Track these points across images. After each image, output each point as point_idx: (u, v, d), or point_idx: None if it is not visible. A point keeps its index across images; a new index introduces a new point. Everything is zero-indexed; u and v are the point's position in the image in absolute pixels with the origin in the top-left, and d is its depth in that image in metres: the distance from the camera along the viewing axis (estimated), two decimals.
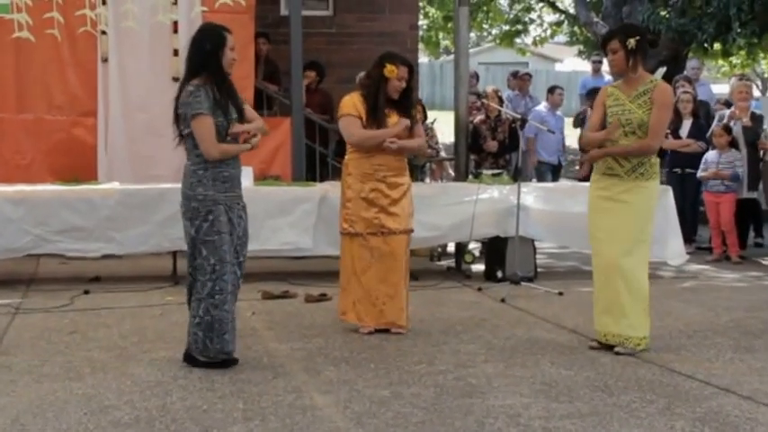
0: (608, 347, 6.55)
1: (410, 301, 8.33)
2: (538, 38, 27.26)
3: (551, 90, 14.71)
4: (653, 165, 6.64)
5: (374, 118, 7.13)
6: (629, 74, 6.61)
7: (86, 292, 8.81)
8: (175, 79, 10.93)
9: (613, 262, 6.50)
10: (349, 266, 7.23)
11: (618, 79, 6.94)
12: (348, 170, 7.26)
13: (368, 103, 7.17)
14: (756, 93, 21.50)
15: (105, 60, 11.03)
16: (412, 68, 7.30)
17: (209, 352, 6.07)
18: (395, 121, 7.17)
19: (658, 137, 6.62)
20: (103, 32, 10.98)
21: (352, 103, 7.22)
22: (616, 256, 6.49)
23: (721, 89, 19.53)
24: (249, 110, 6.39)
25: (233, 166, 6.14)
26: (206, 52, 6.04)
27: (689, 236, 11.47)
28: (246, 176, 9.66)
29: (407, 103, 7.28)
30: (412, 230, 7.35)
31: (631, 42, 6.47)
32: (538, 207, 9.68)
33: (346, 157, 7.34)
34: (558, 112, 14.61)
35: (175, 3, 11.07)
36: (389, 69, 7.14)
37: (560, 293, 8.74)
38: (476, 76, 15.98)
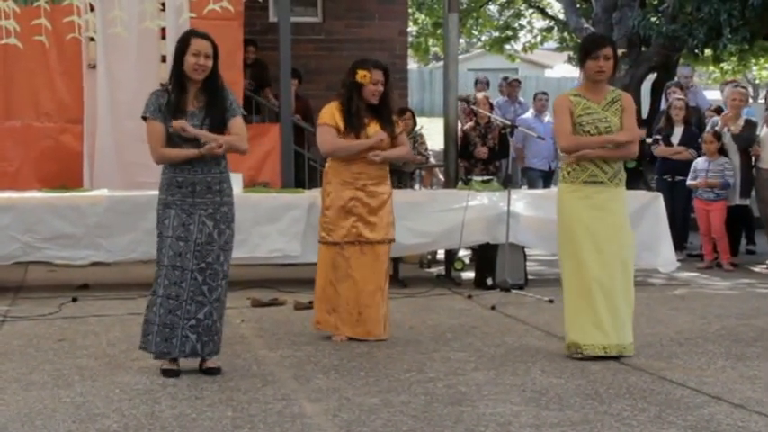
0: (595, 358, 6.50)
1: (400, 308, 8.37)
2: (527, 44, 27.24)
3: (535, 97, 14.85)
4: (624, 172, 6.69)
5: (351, 126, 7.08)
6: (601, 83, 6.60)
7: (74, 300, 8.77)
8: (163, 85, 10.91)
9: (617, 274, 6.47)
10: (325, 275, 7.20)
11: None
12: (328, 178, 7.22)
13: (345, 113, 7.12)
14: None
15: (93, 67, 11.01)
16: (387, 72, 7.23)
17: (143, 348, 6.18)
18: (374, 130, 7.11)
19: (637, 141, 6.72)
20: (91, 39, 10.95)
21: (330, 113, 7.16)
22: (618, 267, 6.48)
23: (712, 95, 19.54)
24: (236, 124, 6.27)
25: (190, 172, 6.08)
26: (174, 58, 6.14)
27: (680, 243, 11.46)
28: (236, 183, 9.65)
29: (386, 110, 7.23)
30: (392, 240, 7.31)
31: (620, 53, 6.47)
32: (528, 214, 9.66)
33: (326, 164, 7.30)
34: (548, 119, 14.62)
35: (163, 9, 11.04)
36: (361, 75, 7.09)
37: (551, 301, 8.71)
38: (486, 83, 16.01)
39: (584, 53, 6.63)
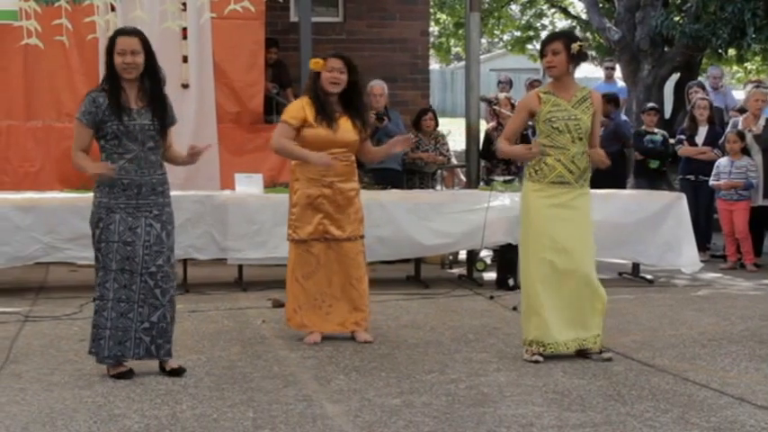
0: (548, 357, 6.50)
1: (421, 309, 8.38)
2: None
3: None
4: (590, 171, 6.68)
5: (322, 117, 7.01)
6: (563, 78, 6.59)
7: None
8: (184, 86, 10.92)
9: (583, 272, 6.46)
10: (292, 272, 7.15)
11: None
12: (295, 175, 7.16)
13: (314, 104, 7.06)
14: None
15: None
16: (349, 63, 7.14)
17: (93, 353, 6.10)
18: (344, 126, 7.04)
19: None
20: None
21: (295, 107, 7.14)
22: (587, 267, 6.48)
23: (736, 95, 19.46)
24: (173, 132, 6.26)
25: (137, 173, 6.00)
26: (105, 59, 6.06)
27: (703, 243, 11.39)
28: (256, 184, 9.66)
29: (357, 107, 7.13)
30: (361, 236, 7.22)
31: (575, 47, 6.47)
32: None
33: (293, 161, 7.26)
34: None
35: (184, 9, 11.04)
36: (313, 62, 7.12)
37: None
38: (509, 83, 15.96)
39: (540, 53, 6.71)
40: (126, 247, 5.98)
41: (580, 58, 6.59)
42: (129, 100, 6.01)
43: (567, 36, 6.73)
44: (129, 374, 6.04)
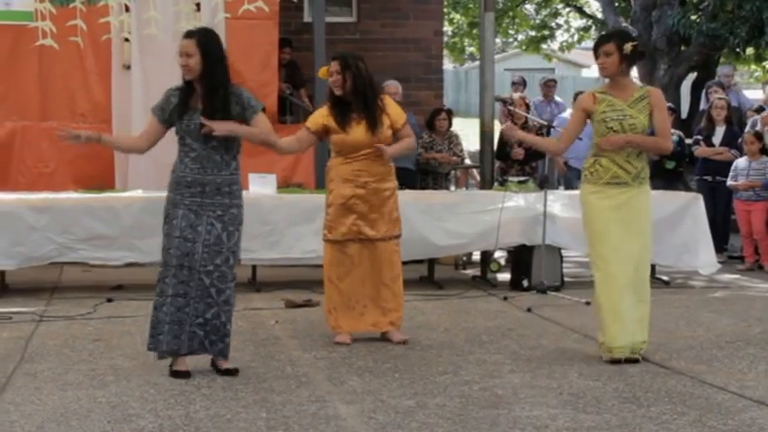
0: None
1: (435, 310, 8.38)
2: (564, 43, 27.10)
3: (575, 97, 14.73)
4: (648, 170, 6.69)
5: (336, 122, 7.04)
6: (618, 78, 6.56)
7: (109, 300, 8.79)
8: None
9: (636, 276, 6.44)
10: (327, 274, 7.17)
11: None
12: (330, 176, 7.21)
13: (332, 110, 7.10)
14: None
15: (128, 67, 11.02)
16: (345, 61, 7.11)
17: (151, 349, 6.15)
18: (359, 131, 7.00)
19: (669, 138, 6.76)
20: (126, 39, 10.97)
21: (318, 113, 7.22)
22: (641, 272, 6.47)
23: (754, 95, 19.40)
24: (259, 120, 6.21)
25: (199, 172, 6.08)
26: None
27: (720, 244, 11.32)
28: (269, 184, 9.65)
29: (368, 106, 7.05)
30: (397, 236, 7.22)
31: (628, 47, 6.45)
32: (565, 215, 9.57)
33: (329, 162, 7.30)
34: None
35: (198, 10, 11.05)
36: (321, 72, 7.30)
37: (587, 303, 8.60)
38: (522, 83, 15.93)
39: (594, 54, 6.70)
40: (186, 243, 6.05)
41: (634, 57, 6.57)
42: (197, 100, 6.10)
43: (619, 36, 6.70)
44: (186, 375, 6.04)
